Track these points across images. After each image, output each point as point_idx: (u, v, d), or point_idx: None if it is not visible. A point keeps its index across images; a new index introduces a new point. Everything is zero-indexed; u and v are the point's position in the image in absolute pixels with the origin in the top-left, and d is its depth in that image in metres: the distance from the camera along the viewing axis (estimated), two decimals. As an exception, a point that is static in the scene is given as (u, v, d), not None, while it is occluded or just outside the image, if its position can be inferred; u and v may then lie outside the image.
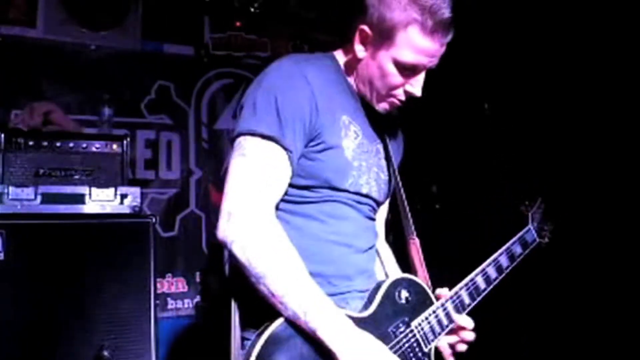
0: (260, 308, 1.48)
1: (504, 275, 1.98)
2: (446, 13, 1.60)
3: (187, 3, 4.46)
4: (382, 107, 1.78)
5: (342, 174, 1.68)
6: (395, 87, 1.71)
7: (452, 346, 1.84)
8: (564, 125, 3.58)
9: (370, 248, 1.84)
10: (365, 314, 1.63)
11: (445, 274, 1.95)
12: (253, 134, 1.57)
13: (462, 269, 1.94)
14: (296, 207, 1.66)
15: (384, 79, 1.69)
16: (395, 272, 1.92)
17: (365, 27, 1.67)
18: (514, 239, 2.09)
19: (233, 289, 1.65)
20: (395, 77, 1.68)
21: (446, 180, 4.36)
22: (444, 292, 1.85)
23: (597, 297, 3.28)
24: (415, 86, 1.71)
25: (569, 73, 3.54)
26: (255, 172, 1.54)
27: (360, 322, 1.56)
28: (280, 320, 1.46)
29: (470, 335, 1.83)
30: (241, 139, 1.59)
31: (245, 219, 1.48)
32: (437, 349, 1.78)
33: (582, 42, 3.44)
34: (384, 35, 1.64)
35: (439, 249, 1.97)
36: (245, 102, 1.65)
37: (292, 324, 1.46)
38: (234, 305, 1.62)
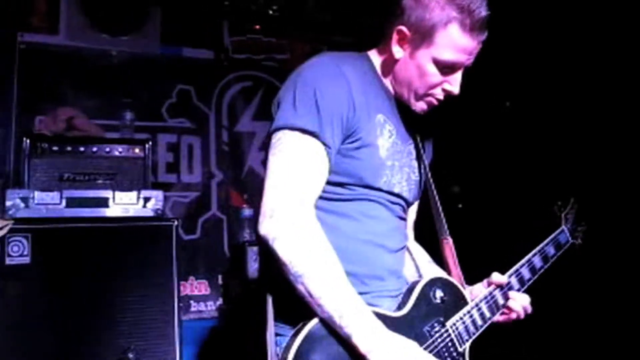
0: (294, 303, 1.49)
1: (537, 276, 1.98)
2: (483, 11, 1.63)
3: (206, 7, 4.49)
4: (419, 107, 1.78)
5: (376, 172, 1.68)
6: (434, 86, 1.72)
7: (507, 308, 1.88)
8: (587, 122, 3.54)
9: (400, 249, 1.84)
10: (401, 313, 1.63)
11: (467, 274, 1.93)
12: (292, 129, 1.56)
13: (484, 269, 1.92)
14: (330, 204, 1.65)
15: (423, 79, 1.70)
16: (430, 271, 1.91)
17: (402, 28, 1.68)
18: (548, 240, 2.09)
19: (267, 284, 1.65)
20: (435, 76, 1.69)
21: (468, 179, 4.33)
22: (477, 289, 1.87)
23: (630, 300, 3.23)
24: (454, 84, 1.72)
25: (593, 68, 3.50)
26: (296, 168, 1.54)
27: (395, 322, 1.56)
28: (317, 319, 1.47)
29: (524, 306, 1.87)
30: (280, 134, 1.58)
31: (287, 217, 1.48)
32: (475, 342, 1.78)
33: (606, 37, 3.40)
34: (423, 35, 1.65)
35: (462, 250, 1.95)
36: (283, 98, 1.64)
37: (328, 323, 1.46)
38: (269, 299, 1.62)
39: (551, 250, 2.08)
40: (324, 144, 1.56)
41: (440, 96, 1.75)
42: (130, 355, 2.78)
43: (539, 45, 3.79)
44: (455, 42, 1.64)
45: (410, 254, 1.97)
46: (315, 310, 1.46)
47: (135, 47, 4.26)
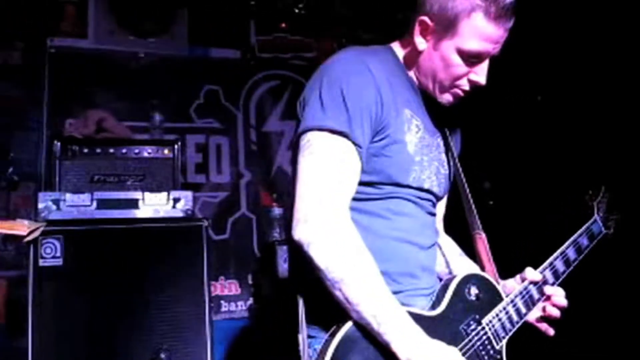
0: (327, 306, 1.46)
1: (571, 268, 1.93)
2: None
3: (232, 7, 4.50)
4: (445, 98, 1.73)
5: (405, 169, 1.64)
6: (460, 77, 1.67)
7: (541, 311, 1.84)
8: (618, 116, 3.48)
9: (432, 245, 1.80)
10: (436, 312, 1.60)
11: (501, 270, 1.90)
12: (321, 129, 1.52)
13: (518, 264, 1.88)
14: (358, 204, 1.61)
15: (448, 70, 1.65)
16: (461, 266, 1.88)
17: (425, 19, 1.63)
18: (581, 230, 2.02)
19: (298, 287, 1.63)
20: (460, 67, 1.64)
21: (499, 175, 4.27)
22: (510, 284, 1.84)
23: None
24: (480, 74, 1.67)
25: (624, 60, 3.43)
26: (328, 170, 1.50)
27: (431, 322, 1.53)
28: (351, 321, 1.44)
29: (561, 300, 1.82)
30: (309, 135, 1.54)
31: (321, 221, 1.45)
32: (510, 341, 1.74)
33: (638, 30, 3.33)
34: (446, 25, 1.60)
35: (495, 245, 1.92)
36: (309, 97, 1.60)
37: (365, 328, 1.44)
38: (300, 302, 1.59)
39: (585, 241, 2.01)
40: (355, 144, 1.52)
41: (467, 87, 1.70)
42: (163, 356, 2.78)
43: (569, 39, 3.73)
44: (480, 31, 1.58)
45: (440, 249, 1.94)
46: (353, 316, 1.43)
47: (162, 48, 4.29)
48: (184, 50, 4.31)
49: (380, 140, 1.60)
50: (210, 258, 3.05)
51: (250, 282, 4.29)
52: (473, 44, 1.60)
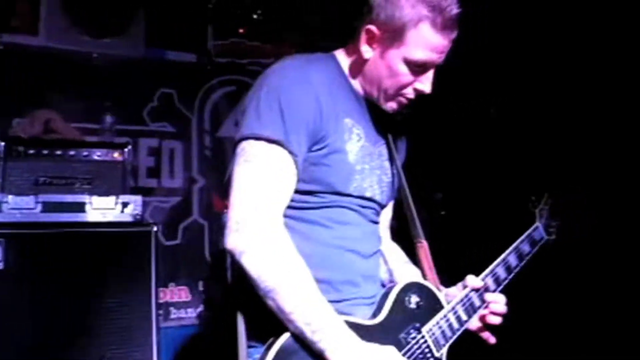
0: (265, 317, 1.45)
1: (512, 275, 1.95)
2: (454, 9, 1.60)
3: (190, 10, 4.45)
4: (390, 106, 1.74)
5: (346, 178, 1.65)
6: (405, 86, 1.69)
7: (482, 319, 1.85)
8: (571, 128, 3.56)
9: (375, 253, 1.81)
10: (375, 321, 1.60)
11: (452, 279, 1.91)
12: (257, 138, 1.52)
13: (469, 273, 1.89)
14: (299, 212, 1.62)
15: (394, 79, 1.67)
16: (405, 274, 1.88)
17: (372, 27, 1.64)
18: (522, 237, 2.05)
19: (237, 297, 1.62)
20: (406, 76, 1.66)
21: (451, 186, 4.33)
22: (452, 291, 1.85)
23: (603, 298, 3.24)
24: (425, 83, 1.69)
25: (576, 75, 3.53)
26: (262, 179, 1.50)
27: (370, 331, 1.53)
28: (288, 333, 1.44)
29: (501, 307, 1.83)
30: (245, 144, 1.54)
31: (255, 229, 1.45)
32: (453, 346, 1.75)
33: (589, 43, 3.43)
34: (393, 35, 1.62)
35: (446, 256, 1.93)
36: (247, 106, 1.60)
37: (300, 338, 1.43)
38: (239, 313, 1.58)
39: (526, 248, 2.04)
40: (291, 153, 1.52)
41: (412, 95, 1.72)
42: (106, 363, 2.73)
43: (522, 51, 3.81)
44: (427, 42, 1.60)
45: (383, 257, 1.94)
46: (287, 325, 1.43)
47: (117, 49, 4.19)
48: (139, 52, 4.23)
49: (320, 149, 1.60)
50: (159, 264, 3.01)
51: (201, 288, 4.24)
52: (419, 54, 1.62)
